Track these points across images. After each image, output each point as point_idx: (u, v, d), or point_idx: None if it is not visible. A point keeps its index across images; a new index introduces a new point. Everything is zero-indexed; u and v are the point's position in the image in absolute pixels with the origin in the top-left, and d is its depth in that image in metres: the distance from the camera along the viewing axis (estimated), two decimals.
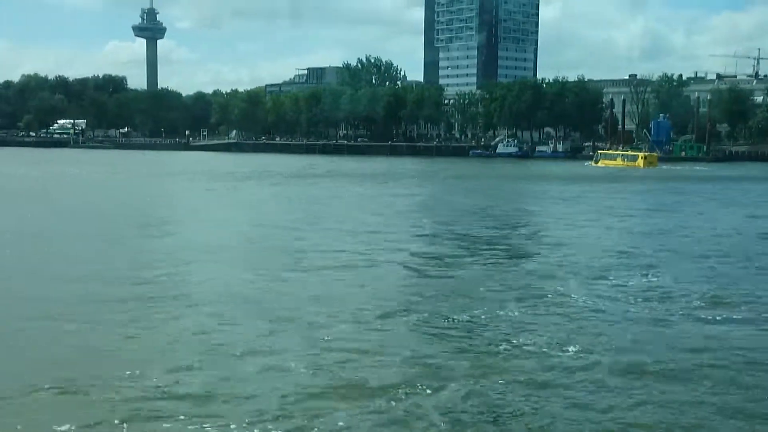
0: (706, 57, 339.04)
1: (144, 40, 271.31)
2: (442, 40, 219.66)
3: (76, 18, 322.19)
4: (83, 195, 43.15)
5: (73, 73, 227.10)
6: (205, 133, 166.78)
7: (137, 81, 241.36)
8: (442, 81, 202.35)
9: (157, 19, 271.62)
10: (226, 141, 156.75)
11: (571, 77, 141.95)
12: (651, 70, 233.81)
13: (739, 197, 45.79)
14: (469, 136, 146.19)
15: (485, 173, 75.63)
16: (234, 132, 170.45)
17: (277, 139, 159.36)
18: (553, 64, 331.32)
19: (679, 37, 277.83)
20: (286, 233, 25.19)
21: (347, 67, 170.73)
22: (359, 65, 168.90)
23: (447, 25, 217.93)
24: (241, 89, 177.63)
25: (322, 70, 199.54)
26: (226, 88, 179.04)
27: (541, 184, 57.05)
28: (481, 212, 34.00)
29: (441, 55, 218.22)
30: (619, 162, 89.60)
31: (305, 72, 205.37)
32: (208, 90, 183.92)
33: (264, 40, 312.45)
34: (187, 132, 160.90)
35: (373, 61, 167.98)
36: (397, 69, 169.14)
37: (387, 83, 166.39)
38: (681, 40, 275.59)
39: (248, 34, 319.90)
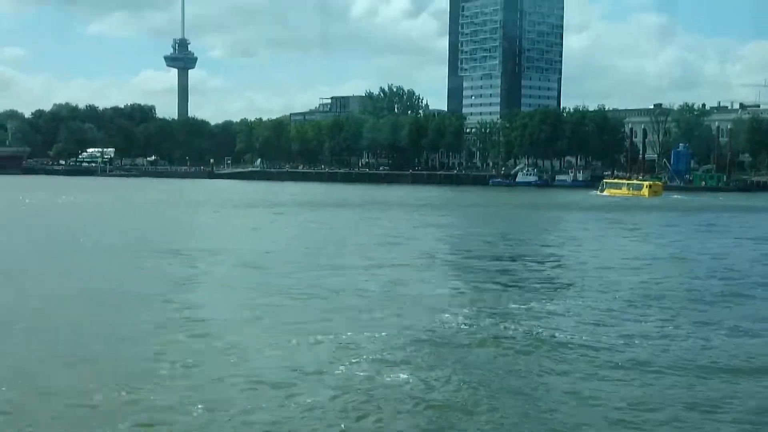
0: (737, 86, 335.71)
1: (176, 70, 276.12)
2: (465, 69, 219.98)
3: (113, 49, 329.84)
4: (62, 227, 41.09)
5: (108, 102, 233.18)
6: (230, 161, 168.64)
7: (169, 110, 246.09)
8: (465, 109, 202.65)
9: (189, 49, 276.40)
10: (249, 169, 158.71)
11: (596, 106, 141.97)
12: (680, 99, 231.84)
13: (733, 227, 45.63)
14: (491, 164, 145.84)
15: (492, 201, 75.78)
16: (259, 160, 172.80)
17: (300, 167, 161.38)
18: (578, 93, 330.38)
19: (710, 65, 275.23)
20: (302, 266, 24.81)
21: (370, 96, 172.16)
22: (381, 94, 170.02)
23: (471, 54, 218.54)
24: (271, 117, 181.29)
25: (345, 99, 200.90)
26: (258, 117, 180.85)
27: (536, 212, 57.81)
28: (462, 242, 34.20)
29: (465, 83, 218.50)
30: (624, 191, 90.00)
31: (329, 101, 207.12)
32: (242, 118, 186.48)
33: (296, 69, 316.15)
34: (211, 160, 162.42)
35: (395, 90, 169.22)
36: (418, 98, 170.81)
37: (409, 112, 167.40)
38: (712, 69, 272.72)
39: (281, 63, 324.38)
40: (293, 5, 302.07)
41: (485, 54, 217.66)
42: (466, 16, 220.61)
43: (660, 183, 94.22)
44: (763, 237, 38.70)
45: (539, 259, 27.11)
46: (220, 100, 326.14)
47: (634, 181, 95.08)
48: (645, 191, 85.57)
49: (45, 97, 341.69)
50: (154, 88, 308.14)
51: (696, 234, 40.66)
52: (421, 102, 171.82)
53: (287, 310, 17.14)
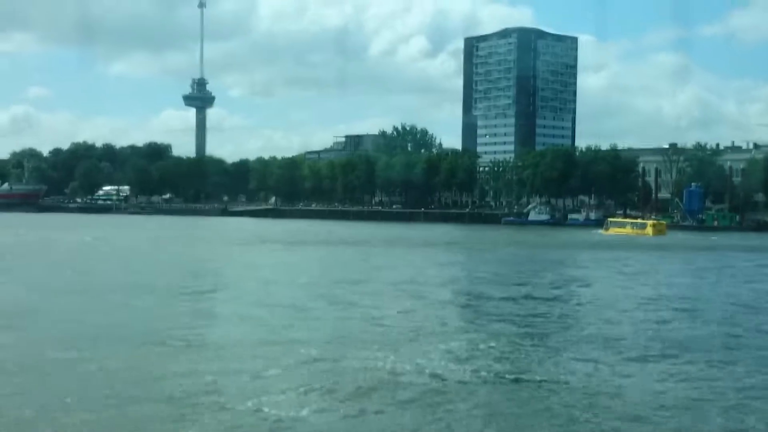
0: (755, 126, 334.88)
1: (194, 109, 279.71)
2: (479, 108, 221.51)
3: (135, 88, 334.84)
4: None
5: (128, 140, 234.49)
6: (244, 198, 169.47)
7: (187, 148, 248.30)
8: (480, 148, 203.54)
9: (207, 88, 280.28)
10: (262, 207, 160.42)
11: (610, 145, 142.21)
12: (697, 138, 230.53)
13: (729, 266, 45.65)
14: (503, 203, 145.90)
15: (500, 240, 75.77)
16: (273, 198, 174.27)
17: (314, 205, 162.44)
18: (593, 132, 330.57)
19: (727, 105, 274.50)
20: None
21: (383, 134, 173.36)
22: (395, 132, 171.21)
23: (484, 93, 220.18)
24: (287, 155, 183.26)
25: (359, 137, 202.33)
26: (275, 155, 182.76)
27: (538, 251, 57.98)
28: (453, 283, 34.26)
29: (479, 122, 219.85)
30: (628, 230, 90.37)
31: (344, 139, 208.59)
32: (258, 156, 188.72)
33: (314, 108, 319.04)
34: (225, 198, 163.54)
35: (408, 128, 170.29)
36: (431, 137, 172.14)
37: (422, 150, 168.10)
38: (730, 109, 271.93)
39: (299, 101, 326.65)
40: (312, 45, 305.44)
41: (499, 93, 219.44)
42: (480, 56, 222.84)
43: (664, 222, 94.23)
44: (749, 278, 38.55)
45: (528, 304, 26.70)
46: (239, 138, 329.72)
47: (638, 220, 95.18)
48: (649, 230, 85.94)
49: (67, 136, 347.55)
50: (173, 127, 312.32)
51: (687, 273, 40.77)
52: (434, 140, 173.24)
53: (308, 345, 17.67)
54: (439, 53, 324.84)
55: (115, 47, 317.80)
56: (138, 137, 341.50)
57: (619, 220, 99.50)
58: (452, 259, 50.87)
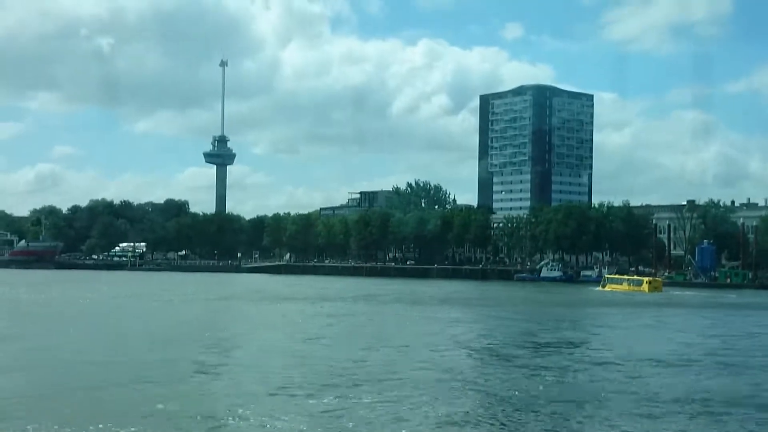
0: None
1: (215, 166, 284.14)
2: (495, 165, 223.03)
3: (159, 146, 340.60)
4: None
5: (151, 197, 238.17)
6: (257, 255, 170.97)
7: (208, 205, 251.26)
8: (496, 204, 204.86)
9: (228, 145, 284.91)
10: (276, 263, 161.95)
11: (623, 202, 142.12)
12: (721, 196, 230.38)
13: (721, 323, 46.52)
14: (517, 259, 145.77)
15: (509, 298, 75.62)
16: (288, 254, 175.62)
17: (327, 261, 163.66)
18: (611, 189, 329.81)
19: (753, 162, 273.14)
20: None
21: (396, 191, 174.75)
22: (409, 189, 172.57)
23: (500, 150, 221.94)
24: (305, 212, 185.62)
25: (374, 194, 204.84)
26: (296, 211, 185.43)
27: (541, 309, 58.08)
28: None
29: (495, 179, 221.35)
30: (624, 287, 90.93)
31: (358, 196, 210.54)
32: (274, 213, 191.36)
33: (335, 165, 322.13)
34: (238, 254, 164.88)
35: (422, 185, 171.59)
36: (445, 192, 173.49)
37: (436, 207, 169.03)
38: (755, 166, 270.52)
39: (321, 158, 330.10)
40: (334, 102, 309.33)
41: (515, 150, 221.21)
42: (496, 113, 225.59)
43: (659, 279, 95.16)
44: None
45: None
46: (261, 195, 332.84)
47: (635, 277, 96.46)
48: (645, 287, 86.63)
49: (91, 193, 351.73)
50: (195, 184, 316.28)
51: (665, 329, 41.53)
52: (448, 196, 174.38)
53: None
54: (460, 111, 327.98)
55: (140, 106, 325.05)
56: (161, 194, 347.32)
57: (616, 276, 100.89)
58: (469, 316, 51.35)
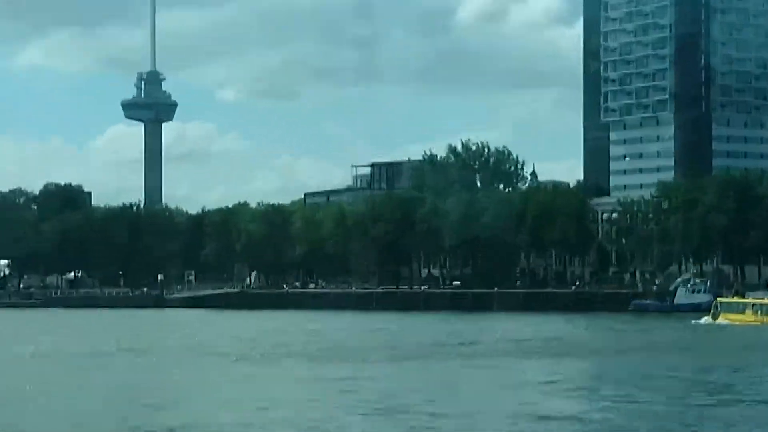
0: None
1: (141, 124, 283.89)
2: (612, 111, 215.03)
3: (52, 91, 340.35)
4: None
5: (37, 180, 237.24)
6: (192, 277, 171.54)
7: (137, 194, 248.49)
8: (615, 180, 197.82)
9: (163, 89, 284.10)
10: (225, 290, 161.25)
11: None
12: None
13: None
14: (636, 275, 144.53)
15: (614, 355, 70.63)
16: (250, 274, 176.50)
17: (311, 285, 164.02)
18: None
19: None
20: None
21: (430, 160, 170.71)
22: (451, 156, 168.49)
23: (621, 84, 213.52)
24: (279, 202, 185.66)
25: (393, 166, 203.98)
26: (277, 198, 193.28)
27: None
28: None
29: (612, 134, 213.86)
30: (748, 317, 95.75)
31: (368, 170, 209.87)
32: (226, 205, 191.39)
33: (358, 115, 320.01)
34: (159, 277, 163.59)
35: (474, 149, 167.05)
36: (516, 161, 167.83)
37: (501, 185, 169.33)
38: None
39: (333, 105, 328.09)
40: (353, 8, 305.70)
41: (646, 84, 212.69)
42: (612, 20, 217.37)
43: None
44: None
45: None
46: (234, 173, 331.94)
47: (763, 300, 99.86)
48: None
49: None
50: (116, 158, 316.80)
51: None
52: (522, 168, 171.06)
53: None
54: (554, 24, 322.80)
55: (24, 22, 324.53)
56: (58, 177, 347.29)
57: (735, 300, 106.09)
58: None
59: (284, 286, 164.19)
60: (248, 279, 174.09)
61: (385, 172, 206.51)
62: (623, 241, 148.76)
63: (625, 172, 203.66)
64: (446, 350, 70.99)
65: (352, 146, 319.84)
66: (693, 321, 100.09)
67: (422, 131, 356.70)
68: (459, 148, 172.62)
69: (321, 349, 71.53)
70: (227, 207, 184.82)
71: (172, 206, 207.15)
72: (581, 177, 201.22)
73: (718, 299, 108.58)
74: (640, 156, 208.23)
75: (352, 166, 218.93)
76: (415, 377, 54.38)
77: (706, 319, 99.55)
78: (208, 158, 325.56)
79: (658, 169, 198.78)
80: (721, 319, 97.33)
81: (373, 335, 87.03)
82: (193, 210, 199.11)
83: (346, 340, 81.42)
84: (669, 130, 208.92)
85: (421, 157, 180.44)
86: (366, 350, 70.40)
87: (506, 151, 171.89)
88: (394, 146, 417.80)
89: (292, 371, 57.95)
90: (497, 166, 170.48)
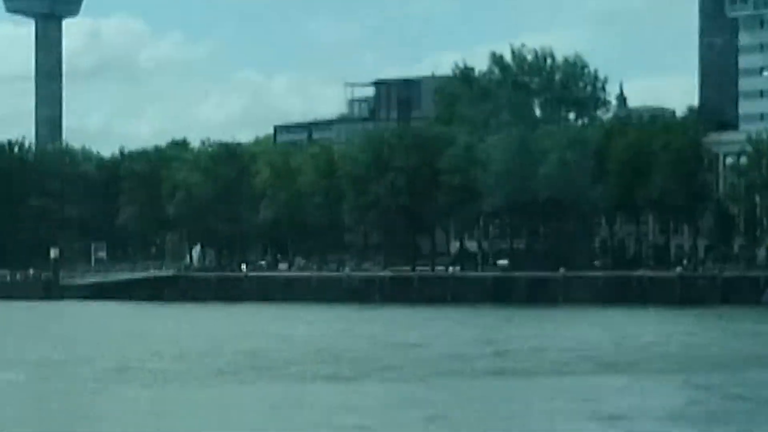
0: None
1: (31, 22, 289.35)
2: (745, 1, 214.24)
3: None
4: None
5: None
6: (102, 253, 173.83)
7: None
8: (746, 107, 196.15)
9: None
10: (149, 274, 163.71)
11: None
12: None
13: None
14: None
15: None
16: (195, 249, 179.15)
17: (287, 265, 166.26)
18: None
19: None
20: None
21: (464, 72, 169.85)
22: (494, 69, 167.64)
23: None
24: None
25: (410, 84, 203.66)
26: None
27: None
28: None
29: (742, 39, 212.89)
30: None
31: (372, 91, 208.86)
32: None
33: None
34: (53, 254, 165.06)
35: (529, 57, 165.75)
36: (595, 78, 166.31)
37: (571, 115, 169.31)
38: None
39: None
40: None
41: None
42: None
43: None
44: None
45: None
46: (152, 99, 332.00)
47: None
48: None
49: None
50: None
51: None
52: (603, 88, 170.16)
53: None
54: None
55: None
56: None
57: None
58: None
59: (242, 267, 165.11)
60: (188, 257, 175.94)
61: (396, 94, 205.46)
62: (756, 199, 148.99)
63: (761, 94, 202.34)
64: (485, 367, 69.75)
65: (347, 55, 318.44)
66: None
67: (453, 34, 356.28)
68: (507, 57, 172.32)
69: (293, 374, 68.86)
70: (156, 147, 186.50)
71: (76, 146, 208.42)
72: (695, 102, 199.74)
73: None
74: None
75: (347, 84, 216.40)
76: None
77: None
78: (133, 73, 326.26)
79: None
80: None
81: (377, 346, 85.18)
82: (109, 153, 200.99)
83: (329, 355, 78.76)
84: None
85: (450, 72, 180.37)
86: (365, 373, 68.78)
87: (580, 63, 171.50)
88: (410, 56, 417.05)
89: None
90: (566, 84, 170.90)
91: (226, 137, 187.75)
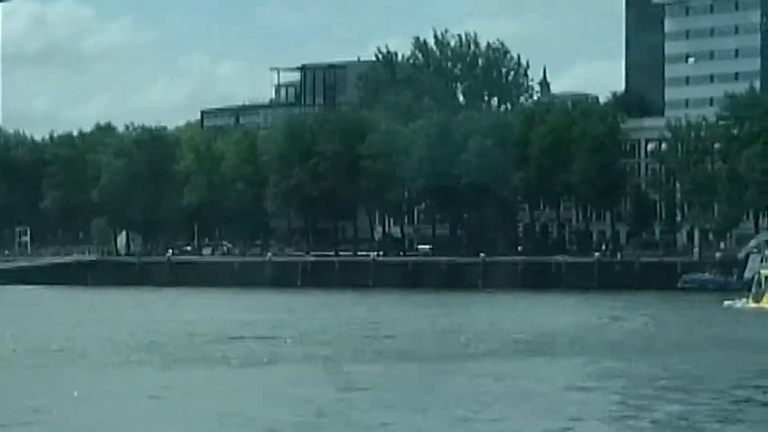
0: None
1: None
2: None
3: None
4: None
5: None
6: (26, 237, 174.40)
7: None
8: (672, 94, 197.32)
9: None
10: (71, 259, 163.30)
11: None
12: None
13: None
14: (693, 235, 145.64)
15: None
16: (122, 234, 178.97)
17: (206, 252, 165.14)
18: None
19: None
20: None
21: (387, 59, 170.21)
22: (417, 54, 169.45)
23: None
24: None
25: (337, 70, 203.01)
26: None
27: None
28: None
29: (668, 26, 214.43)
30: None
31: (297, 77, 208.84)
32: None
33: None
34: None
35: (452, 42, 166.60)
36: (517, 63, 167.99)
37: (494, 100, 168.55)
38: None
39: None
40: None
41: None
42: None
43: None
44: None
45: None
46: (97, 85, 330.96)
47: None
48: None
49: None
50: None
51: None
52: (527, 75, 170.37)
53: None
54: None
55: None
56: None
57: None
58: None
59: (168, 252, 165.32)
60: (113, 242, 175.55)
61: (322, 79, 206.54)
62: (675, 185, 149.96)
63: (687, 81, 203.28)
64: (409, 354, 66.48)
65: (272, 39, 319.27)
66: (729, 302, 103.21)
67: (380, 19, 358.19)
68: (431, 42, 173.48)
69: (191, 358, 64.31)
70: (81, 132, 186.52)
71: (10, 131, 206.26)
72: (621, 88, 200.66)
73: (763, 271, 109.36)
74: (711, 56, 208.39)
75: (272, 69, 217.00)
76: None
77: (742, 302, 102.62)
78: (79, 58, 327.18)
79: (736, 77, 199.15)
80: (765, 303, 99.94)
81: (297, 328, 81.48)
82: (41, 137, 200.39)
83: (231, 339, 74.31)
84: (754, 17, 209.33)
85: (373, 57, 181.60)
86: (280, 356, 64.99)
87: (503, 49, 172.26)
88: (336, 42, 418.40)
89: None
90: (489, 70, 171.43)
91: (168, 123, 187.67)
